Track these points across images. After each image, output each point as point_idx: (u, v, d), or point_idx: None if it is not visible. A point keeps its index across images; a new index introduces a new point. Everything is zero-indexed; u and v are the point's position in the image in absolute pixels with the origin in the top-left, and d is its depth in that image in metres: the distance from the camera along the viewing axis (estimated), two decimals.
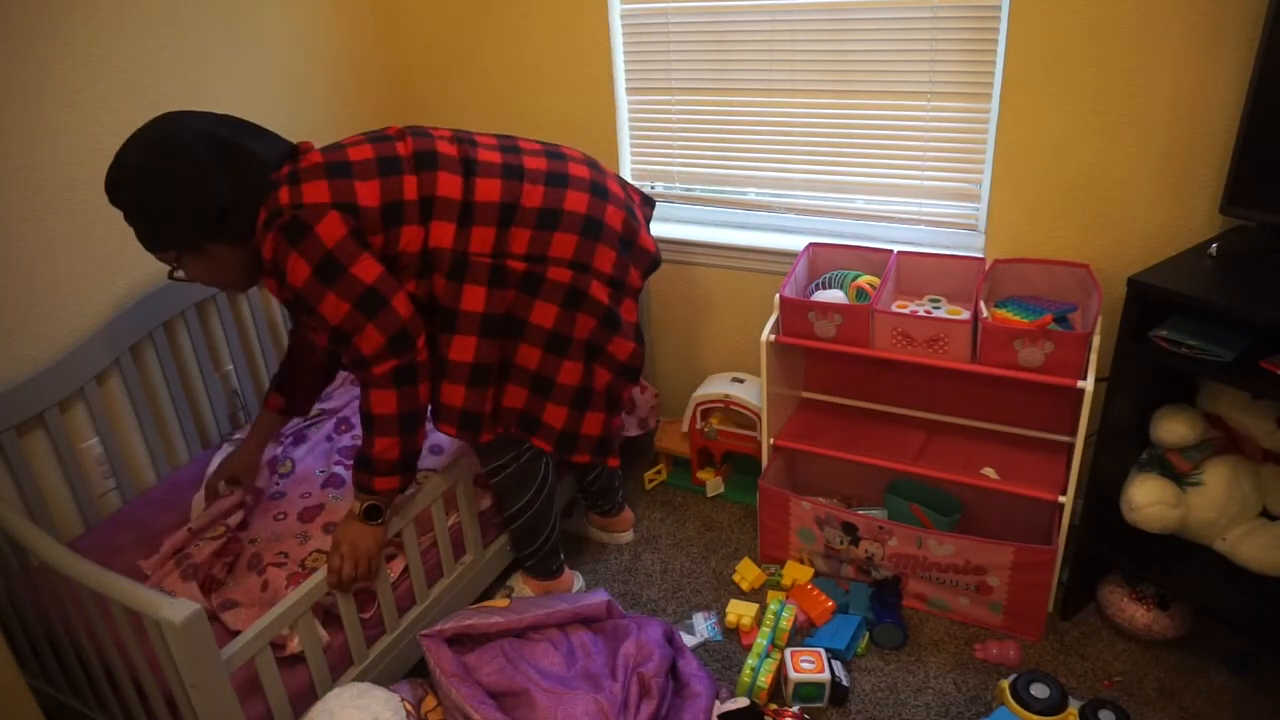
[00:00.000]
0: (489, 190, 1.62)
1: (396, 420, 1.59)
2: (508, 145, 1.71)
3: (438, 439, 2.09)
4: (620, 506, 2.35)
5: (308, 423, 2.23)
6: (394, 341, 1.55)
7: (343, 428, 2.19)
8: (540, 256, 1.65)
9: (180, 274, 1.59)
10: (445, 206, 1.59)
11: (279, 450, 2.11)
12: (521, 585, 2.12)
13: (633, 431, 2.45)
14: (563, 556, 2.13)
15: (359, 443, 2.13)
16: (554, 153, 1.75)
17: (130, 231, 2.06)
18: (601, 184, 1.75)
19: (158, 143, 1.47)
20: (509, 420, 1.77)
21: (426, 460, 2.01)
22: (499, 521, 2.07)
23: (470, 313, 1.62)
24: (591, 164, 1.78)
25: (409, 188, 1.57)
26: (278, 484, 1.97)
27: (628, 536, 2.39)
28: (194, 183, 1.47)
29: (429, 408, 1.68)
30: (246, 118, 2.30)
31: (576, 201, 1.68)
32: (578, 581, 2.19)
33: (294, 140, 2.23)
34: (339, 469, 2.01)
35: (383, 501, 1.66)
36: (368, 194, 1.54)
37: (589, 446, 1.83)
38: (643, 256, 1.83)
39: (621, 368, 1.80)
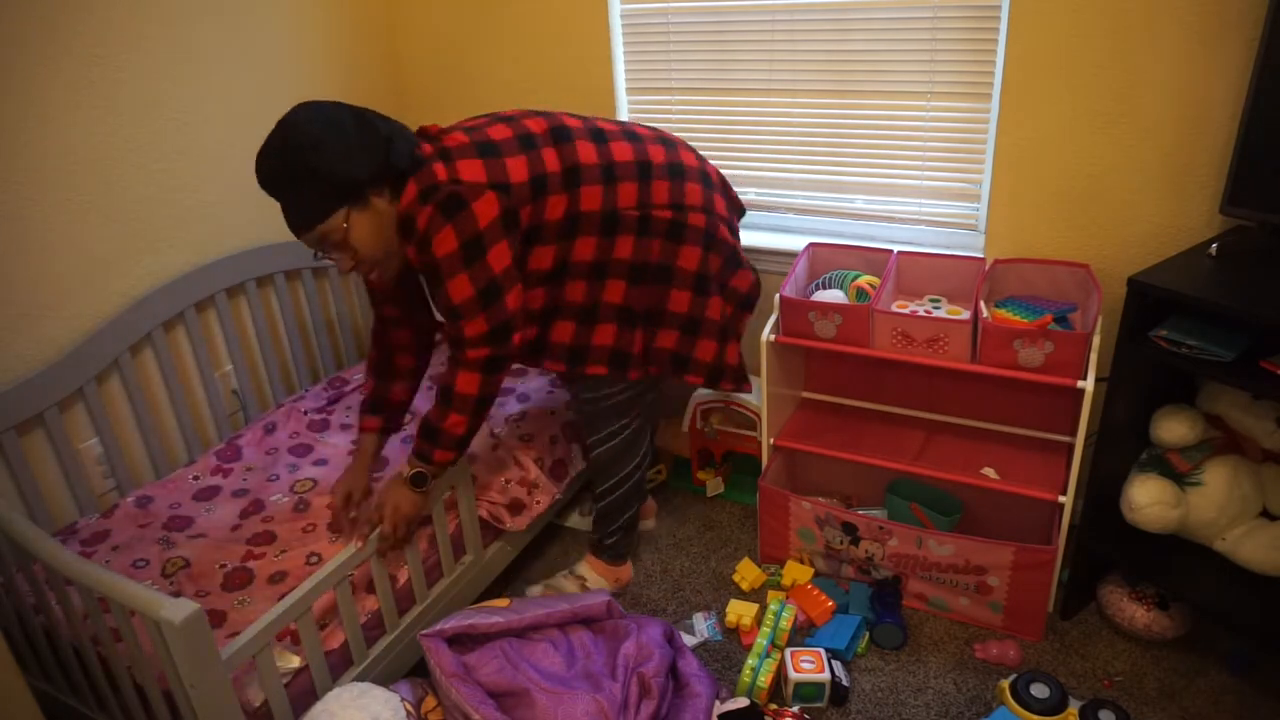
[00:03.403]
0: (623, 151, 1.76)
1: (474, 401, 1.68)
2: (607, 119, 1.86)
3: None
4: (645, 494, 2.39)
5: (320, 431, 2.23)
6: (496, 333, 1.65)
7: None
8: (680, 205, 1.79)
9: (335, 252, 1.58)
10: (589, 172, 1.72)
11: (291, 465, 2.11)
12: (588, 570, 2.15)
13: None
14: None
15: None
16: (643, 124, 1.96)
17: (132, 231, 2.06)
18: (686, 145, 1.92)
19: (310, 115, 1.50)
20: (660, 360, 1.90)
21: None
22: (590, 497, 2.15)
23: (620, 260, 1.78)
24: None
25: (550, 160, 1.69)
26: (300, 502, 1.97)
27: (651, 523, 2.45)
28: (360, 129, 1.52)
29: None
30: (248, 118, 2.31)
31: (688, 157, 1.86)
32: (632, 573, 2.25)
33: None
34: None
35: (431, 472, 1.72)
36: (517, 170, 1.64)
37: (731, 375, 1.94)
38: (736, 202, 2.00)
39: (743, 299, 1.94)
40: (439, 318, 1.79)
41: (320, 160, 1.48)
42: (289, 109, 1.54)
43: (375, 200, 1.56)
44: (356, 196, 1.54)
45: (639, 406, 1.99)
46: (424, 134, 1.67)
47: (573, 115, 1.80)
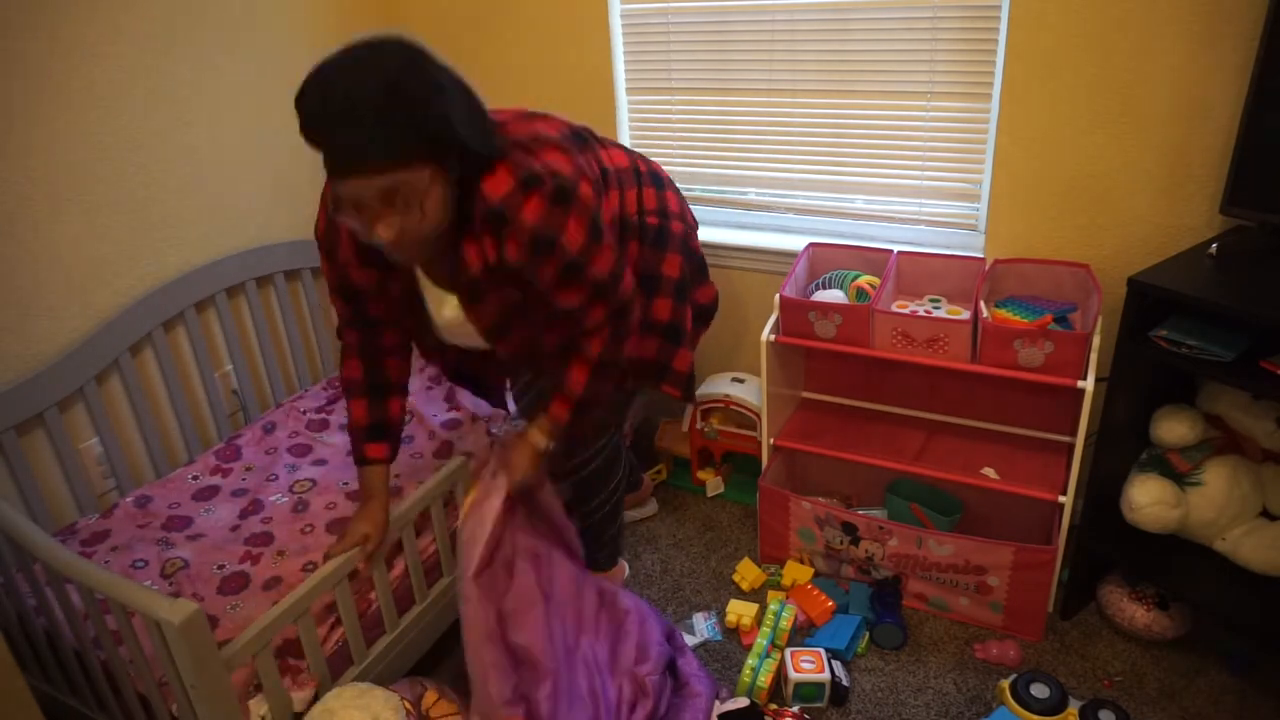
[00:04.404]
0: (618, 157, 1.71)
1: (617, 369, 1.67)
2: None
3: (419, 446, 2.10)
4: (641, 478, 2.42)
5: (314, 433, 2.23)
6: (618, 311, 1.59)
7: None
8: (664, 211, 1.78)
9: (395, 210, 1.34)
10: (610, 176, 1.66)
11: (290, 465, 2.11)
12: None
13: None
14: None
15: None
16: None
17: (132, 231, 2.06)
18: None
19: (430, 58, 1.32)
20: (644, 370, 1.84)
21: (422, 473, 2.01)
22: (580, 525, 2.02)
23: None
24: None
25: (602, 158, 1.64)
26: (299, 502, 1.96)
27: (653, 506, 2.46)
28: (465, 94, 1.40)
29: None
30: (249, 117, 2.31)
31: (659, 168, 1.85)
32: (627, 568, 2.24)
33: None
34: None
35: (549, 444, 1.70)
36: (589, 164, 1.55)
37: (690, 385, 1.90)
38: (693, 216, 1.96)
39: (701, 310, 1.90)
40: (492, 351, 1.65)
41: (441, 104, 1.29)
42: (380, 39, 1.35)
43: (449, 174, 1.38)
44: (443, 161, 1.35)
45: (617, 421, 1.93)
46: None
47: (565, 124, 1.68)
